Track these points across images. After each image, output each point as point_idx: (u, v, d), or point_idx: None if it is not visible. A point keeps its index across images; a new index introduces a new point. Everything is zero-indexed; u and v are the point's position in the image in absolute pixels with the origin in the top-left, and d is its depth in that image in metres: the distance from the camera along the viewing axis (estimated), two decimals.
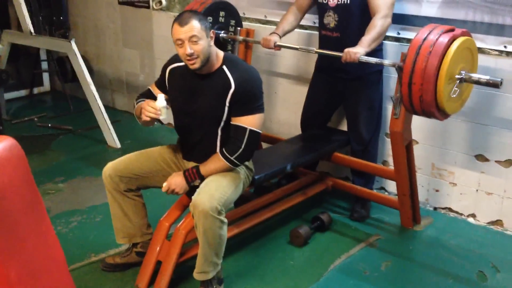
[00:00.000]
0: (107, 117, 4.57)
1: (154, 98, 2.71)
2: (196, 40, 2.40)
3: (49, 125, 5.08)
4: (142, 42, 5.18)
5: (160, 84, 2.74)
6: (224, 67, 2.53)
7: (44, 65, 5.98)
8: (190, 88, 2.57)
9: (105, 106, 4.62)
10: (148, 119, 2.49)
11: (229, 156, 2.51)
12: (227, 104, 2.50)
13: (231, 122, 2.53)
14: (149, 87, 2.79)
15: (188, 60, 2.44)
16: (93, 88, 4.50)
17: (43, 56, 5.89)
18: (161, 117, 2.50)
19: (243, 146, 2.50)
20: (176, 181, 2.53)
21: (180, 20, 2.42)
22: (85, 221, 3.35)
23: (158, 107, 2.48)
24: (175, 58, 2.68)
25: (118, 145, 4.59)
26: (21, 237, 1.30)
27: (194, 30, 2.39)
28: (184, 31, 2.40)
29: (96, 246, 3.07)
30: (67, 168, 4.16)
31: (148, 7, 4.98)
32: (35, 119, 5.26)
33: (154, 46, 5.06)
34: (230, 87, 2.48)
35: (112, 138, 4.58)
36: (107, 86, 5.72)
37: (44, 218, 1.40)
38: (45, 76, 6.27)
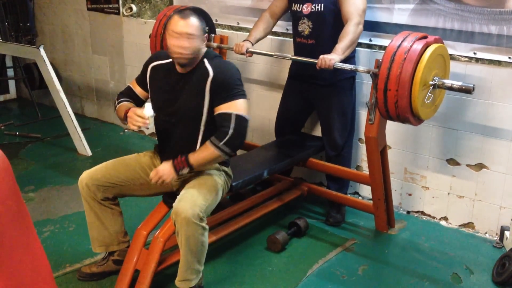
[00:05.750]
0: (78, 124, 4.50)
1: (135, 96, 2.73)
2: (192, 37, 2.43)
3: (17, 133, 4.97)
4: (112, 48, 5.12)
5: (141, 81, 2.73)
6: (204, 60, 2.56)
7: (10, 72, 5.85)
8: (172, 86, 2.57)
9: (74, 114, 4.54)
10: (135, 128, 2.49)
11: (217, 143, 2.45)
12: (206, 93, 2.50)
13: (215, 113, 2.51)
14: (129, 85, 2.78)
15: (177, 54, 2.45)
16: (62, 95, 4.42)
17: (8, 63, 5.77)
18: (149, 126, 2.48)
19: (230, 131, 2.44)
20: (165, 169, 2.47)
21: (182, 14, 2.46)
22: (58, 231, 3.29)
23: (147, 116, 2.46)
24: (157, 56, 2.70)
25: (89, 153, 4.52)
26: (8, 249, 1.27)
27: (193, 27, 2.44)
28: (184, 24, 2.43)
29: (70, 256, 3.02)
30: (37, 177, 4.08)
31: (118, 13, 4.93)
32: (2, 127, 5.14)
33: (124, 53, 5.01)
34: (208, 75, 2.50)
35: (83, 146, 4.51)
36: (75, 93, 5.64)
37: (30, 229, 1.38)
38: (11, 83, 6.14)
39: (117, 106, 2.69)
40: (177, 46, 2.43)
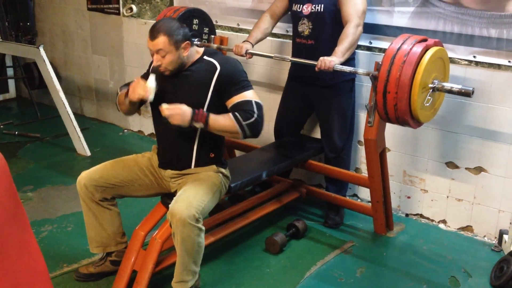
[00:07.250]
0: (77, 124, 4.50)
1: None
2: (163, 54, 2.45)
3: (16, 132, 4.97)
4: (111, 48, 5.12)
5: (146, 76, 2.73)
6: (205, 57, 2.59)
7: (10, 72, 5.85)
8: (172, 81, 2.58)
9: (74, 113, 4.54)
10: (135, 98, 2.49)
11: (241, 120, 2.45)
12: (212, 87, 2.52)
13: (229, 105, 2.51)
14: (135, 78, 2.77)
15: (160, 68, 2.50)
16: (62, 95, 4.42)
17: (8, 62, 5.77)
18: (150, 97, 2.50)
19: (255, 116, 2.47)
20: (185, 112, 2.42)
21: (151, 32, 2.47)
22: (56, 230, 3.28)
23: (148, 86, 2.49)
24: None
25: (88, 153, 4.52)
26: (4, 248, 1.26)
27: (160, 45, 2.44)
28: (153, 44, 2.46)
29: (68, 256, 3.02)
30: (36, 176, 4.08)
31: (118, 14, 4.93)
32: (1, 126, 5.14)
33: (124, 53, 5.00)
34: (215, 69, 2.53)
35: (82, 146, 4.51)
36: (75, 93, 5.63)
37: (27, 229, 1.37)
38: (11, 83, 6.14)
39: (119, 93, 2.69)
40: (155, 60, 2.49)
